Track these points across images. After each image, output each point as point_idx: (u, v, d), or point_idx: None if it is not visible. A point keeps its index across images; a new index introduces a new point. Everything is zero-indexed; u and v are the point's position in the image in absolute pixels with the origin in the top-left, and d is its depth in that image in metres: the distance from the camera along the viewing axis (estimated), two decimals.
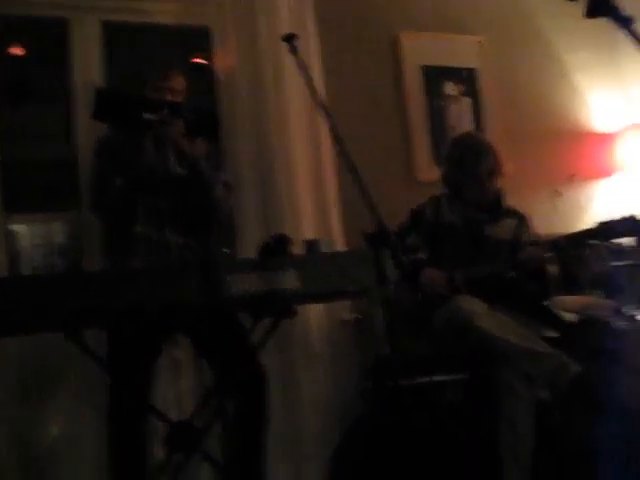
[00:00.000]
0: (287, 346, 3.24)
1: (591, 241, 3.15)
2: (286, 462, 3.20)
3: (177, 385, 3.14)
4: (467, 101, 4.14)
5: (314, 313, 3.31)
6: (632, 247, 3.45)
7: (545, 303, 3.31)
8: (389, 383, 2.81)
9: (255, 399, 2.59)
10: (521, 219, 3.29)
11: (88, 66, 3.29)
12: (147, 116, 2.28)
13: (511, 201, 3.32)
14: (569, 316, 3.42)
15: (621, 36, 1.52)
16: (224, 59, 3.38)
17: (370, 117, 3.84)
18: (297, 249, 2.56)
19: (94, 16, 3.34)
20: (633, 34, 1.42)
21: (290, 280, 2.31)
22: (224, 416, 2.49)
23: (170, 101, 2.60)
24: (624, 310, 3.11)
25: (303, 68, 2.36)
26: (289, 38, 2.34)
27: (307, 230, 3.32)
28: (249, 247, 3.18)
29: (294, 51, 2.33)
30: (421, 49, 4.04)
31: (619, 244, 3.48)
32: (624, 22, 1.41)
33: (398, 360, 2.75)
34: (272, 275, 2.29)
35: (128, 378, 2.45)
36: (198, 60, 3.68)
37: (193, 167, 2.61)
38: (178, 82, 2.75)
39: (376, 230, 2.11)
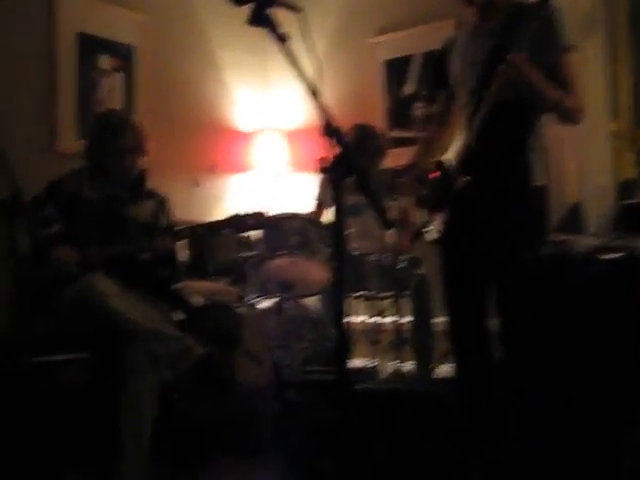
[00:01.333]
0: None
1: (223, 231, 3.34)
2: None
3: None
4: (121, 77, 4.09)
5: None
6: (258, 239, 3.72)
7: (175, 287, 3.42)
8: (7, 362, 2.65)
9: None
10: (162, 202, 3.34)
11: None
12: None
13: (153, 184, 3.36)
14: (197, 300, 3.58)
15: (272, 44, 1.66)
16: None
17: (11, 76, 3.57)
18: None
19: None
20: (285, 49, 1.56)
21: None
22: None
23: None
24: (246, 297, 3.34)
25: None
26: None
27: None
28: None
29: None
30: (79, 15, 3.88)
31: (247, 236, 3.74)
32: (279, 37, 1.55)
33: (18, 338, 2.61)
34: None
35: None
36: None
37: None
38: None
39: (11, 199, 1.97)
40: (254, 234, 3.72)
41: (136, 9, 4.18)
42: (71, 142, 3.72)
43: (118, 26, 4.09)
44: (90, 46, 3.95)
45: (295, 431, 2.87)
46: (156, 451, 2.68)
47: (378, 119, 4.45)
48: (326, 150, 1.56)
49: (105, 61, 4.02)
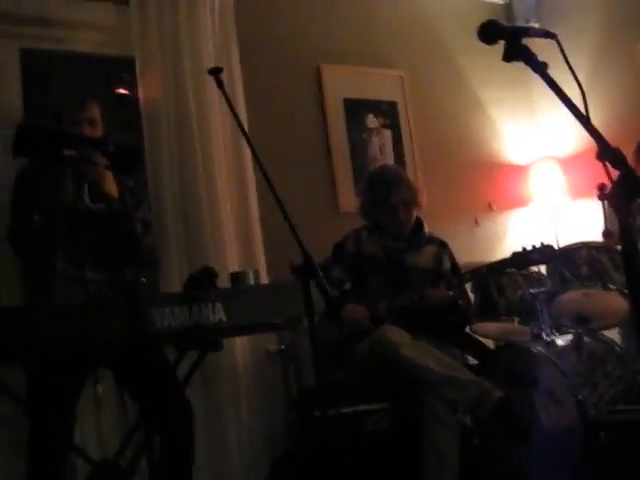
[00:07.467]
0: (212, 379, 3.20)
1: (508, 269, 3.26)
2: None
3: (98, 421, 3.06)
4: (388, 133, 4.23)
5: (239, 345, 3.29)
6: (543, 275, 3.57)
7: (466, 330, 3.39)
8: (315, 414, 2.81)
9: (181, 434, 2.55)
10: (441, 245, 3.36)
11: (5, 94, 3.21)
12: (68, 152, 2.23)
13: (433, 229, 3.40)
14: (489, 342, 3.52)
15: (533, 74, 1.60)
16: (148, 90, 3.35)
17: (293, 149, 3.86)
18: (222, 282, 2.55)
19: (12, 43, 3.26)
20: (547, 78, 1.49)
21: (216, 313, 2.31)
22: (149, 452, 2.44)
23: (91, 137, 2.54)
24: (543, 335, 3.20)
25: (228, 101, 2.36)
26: (215, 71, 2.33)
27: (231, 263, 3.30)
28: (173, 281, 3.13)
29: (220, 84, 2.32)
30: (343, 82, 4.12)
31: (536, 272, 3.60)
32: (539, 67, 1.49)
33: (323, 391, 2.75)
34: (198, 308, 2.28)
35: (49, 416, 2.38)
36: (121, 90, 3.63)
37: (109, 204, 2.57)
38: (93, 111, 2.67)
39: (303, 262, 2.11)
40: (542, 269, 3.58)
41: (394, 66, 4.32)
42: (350, 201, 3.88)
43: (379, 85, 4.25)
44: (356, 108, 4.15)
45: (603, 477, 2.65)
46: None
47: None
48: (604, 175, 1.46)
49: (371, 120, 4.20)
